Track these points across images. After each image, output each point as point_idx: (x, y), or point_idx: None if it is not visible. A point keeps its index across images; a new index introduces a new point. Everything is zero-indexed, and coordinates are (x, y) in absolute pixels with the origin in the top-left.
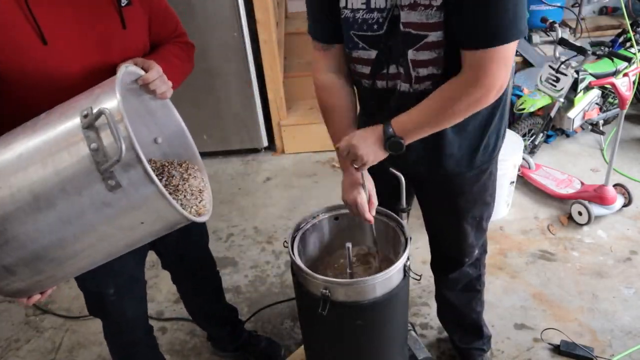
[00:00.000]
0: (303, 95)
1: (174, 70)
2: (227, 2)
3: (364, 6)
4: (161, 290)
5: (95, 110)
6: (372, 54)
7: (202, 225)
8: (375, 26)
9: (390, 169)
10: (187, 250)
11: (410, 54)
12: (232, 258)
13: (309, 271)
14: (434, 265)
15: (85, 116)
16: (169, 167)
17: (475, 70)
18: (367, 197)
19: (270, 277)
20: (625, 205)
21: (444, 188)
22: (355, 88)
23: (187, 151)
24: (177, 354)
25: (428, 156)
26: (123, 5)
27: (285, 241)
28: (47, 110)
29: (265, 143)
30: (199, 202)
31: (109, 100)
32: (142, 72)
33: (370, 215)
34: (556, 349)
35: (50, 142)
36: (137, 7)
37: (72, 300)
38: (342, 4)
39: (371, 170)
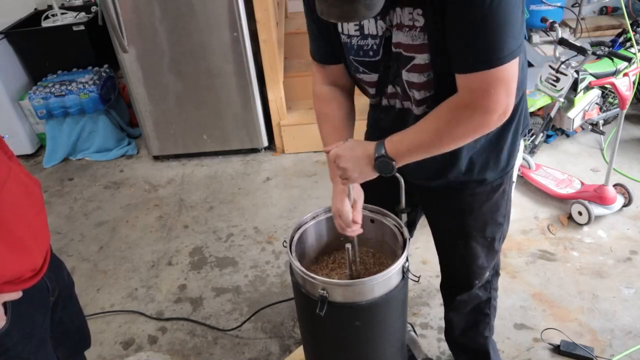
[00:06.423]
0: (303, 95)
1: None
2: (227, 2)
3: (357, 33)
4: (161, 290)
5: None
6: (374, 76)
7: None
8: (371, 52)
9: None
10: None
11: (404, 75)
12: (232, 258)
13: (307, 272)
14: (442, 285)
15: None
16: None
17: (471, 93)
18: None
19: (270, 277)
20: (625, 205)
21: (453, 205)
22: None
23: None
24: (177, 353)
25: (430, 166)
26: None
27: (285, 241)
28: None
29: (265, 143)
30: None
31: None
32: None
33: (351, 229)
34: (556, 349)
35: None
36: None
37: None
38: (340, 29)
39: None
